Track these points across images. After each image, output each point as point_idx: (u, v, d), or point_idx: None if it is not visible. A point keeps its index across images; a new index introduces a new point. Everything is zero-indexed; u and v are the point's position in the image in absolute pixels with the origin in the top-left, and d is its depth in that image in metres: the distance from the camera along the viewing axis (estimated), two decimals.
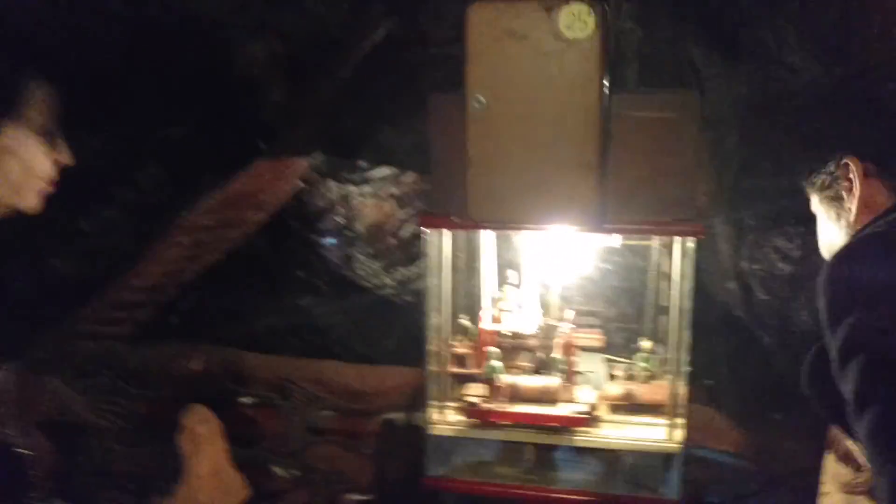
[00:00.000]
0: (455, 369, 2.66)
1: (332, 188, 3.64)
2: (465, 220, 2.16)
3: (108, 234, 3.44)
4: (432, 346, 2.50)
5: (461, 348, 2.69)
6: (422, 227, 2.43)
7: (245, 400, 3.78)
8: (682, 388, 2.39)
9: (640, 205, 2.26)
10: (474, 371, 2.64)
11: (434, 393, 2.54)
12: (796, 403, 3.08)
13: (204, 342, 3.80)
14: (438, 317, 2.50)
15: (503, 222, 2.19)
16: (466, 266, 2.78)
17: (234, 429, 3.41)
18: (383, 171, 3.61)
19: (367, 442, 3.71)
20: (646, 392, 2.60)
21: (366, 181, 3.64)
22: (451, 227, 2.39)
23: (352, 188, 3.66)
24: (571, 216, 2.09)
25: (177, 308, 3.89)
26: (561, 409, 2.49)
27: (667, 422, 2.45)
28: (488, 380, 2.53)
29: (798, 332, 3.37)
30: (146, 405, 3.69)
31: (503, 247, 2.77)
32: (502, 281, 2.77)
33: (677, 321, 2.35)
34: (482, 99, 1.99)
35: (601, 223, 2.07)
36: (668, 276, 2.44)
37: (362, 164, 3.58)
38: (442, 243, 2.44)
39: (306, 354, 3.81)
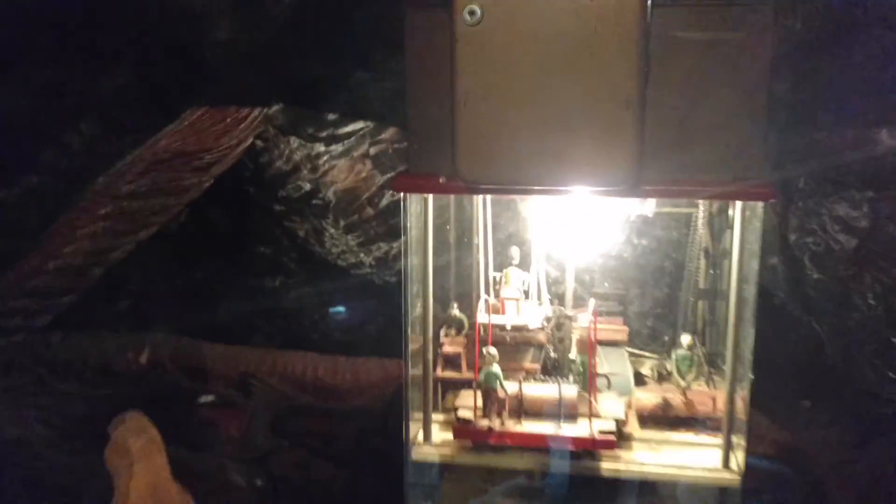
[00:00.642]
0: (443, 373, 2.34)
1: (295, 147, 3.28)
2: (454, 182, 1.79)
3: (31, 206, 3.02)
4: (413, 343, 2.11)
5: (451, 346, 2.37)
6: (397, 192, 2.02)
7: (202, 399, 3.42)
8: (744, 398, 1.99)
9: (689, 160, 1.84)
10: (467, 376, 2.30)
11: (416, 405, 2.17)
12: (849, 401, 2.85)
13: (152, 331, 3.46)
14: (421, 306, 2.12)
15: (504, 185, 1.78)
16: (457, 242, 2.54)
17: (188, 433, 3.26)
18: (357, 125, 3.24)
19: (344, 447, 3.41)
20: (688, 402, 2.24)
21: (336, 138, 3.27)
22: (435, 191, 1.98)
23: (319, 147, 3.29)
24: (599, 176, 1.70)
25: (120, 292, 3.66)
26: (580, 427, 2.11)
27: (718, 442, 2.07)
28: (486, 388, 2.14)
29: (859, 319, 2.85)
30: (82, 406, 3.32)
31: (505, 217, 2.55)
32: (504, 261, 2.42)
33: (735, 311, 1.95)
34: (477, 9, 1.61)
35: (639, 185, 1.71)
36: (712, 253, 2.33)
37: (331, 116, 3.21)
38: (426, 213, 2.04)
39: (272, 345, 3.48)
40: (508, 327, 2.29)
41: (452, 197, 2.41)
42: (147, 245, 3.33)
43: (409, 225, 2.00)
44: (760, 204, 1.92)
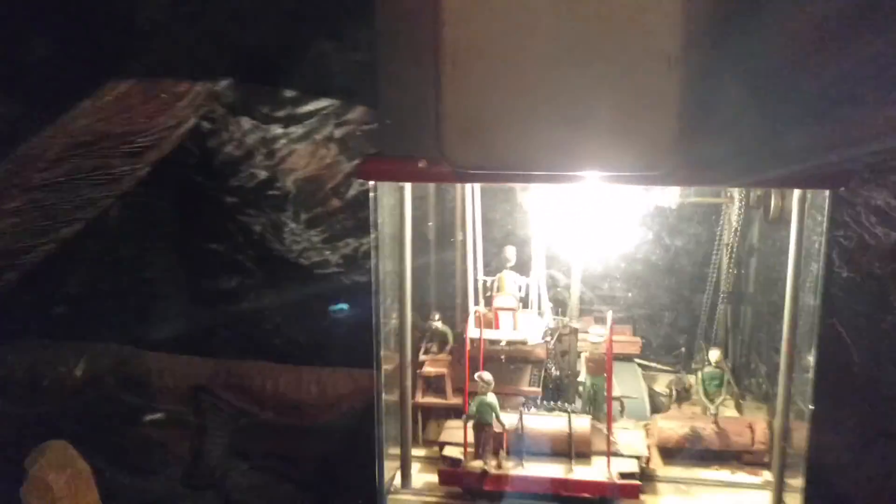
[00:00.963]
0: (424, 399, 2.07)
1: (247, 129, 2.95)
2: (437, 166, 1.52)
3: None
4: (387, 363, 1.84)
5: (433, 366, 2.10)
6: (365, 180, 1.71)
7: (147, 417, 3.14)
8: (804, 432, 1.72)
9: (734, 140, 1.50)
10: (453, 403, 2.04)
11: (391, 435, 1.90)
12: (881, 415, 2.51)
13: (90, 340, 3.14)
14: (397, 318, 1.84)
15: (501, 170, 1.49)
16: (439, 241, 2.23)
17: (132, 456, 3.05)
18: (320, 103, 2.91)
19: (308, 469, 3.14)
20: (721, 431, 1.98)
21: (295, 119, 2.94)
22: (413, 179, 1.68)
23: (275, 129, 2.96)
24: (629, 158, 1.39)
25: (54, 297, 3.27)
26: (595, 469, 1.83)
27: (760, 481, 1.86)
28: (478, 421, 1.87)
29: (894, 323, 2.54)
30: (6, 427, 3.03)
31: (500, 210, 2.28)
32: (497, 264, 2.12)
33: (790, 324, 1.68)
34: None
35: (677, 169, 1.40)
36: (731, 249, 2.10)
37: (289, 93, 2.88)
38: (402, 205, 1.74)
39: (227, 355, 3.14)
40: (503, 343, 2.04)
41: (434, 186, 2.14)
42: (79, 244, 2.98)
43: (380, 220, 1.74)
44: (825, 193, 1.59)
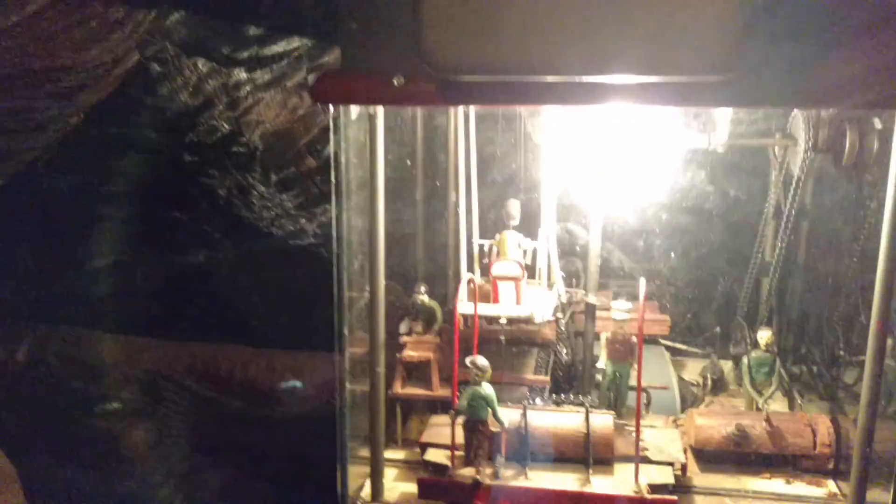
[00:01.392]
0: (404, 390, 1.81)
1: (205, 73, 2.60)
2: (417, 84, 1.21)
3: None
4: (356, 346, 1.54)
5: (416, 350, 1.83)
6: (322, 103, 1.40)
7: (100, 406, 2.92)
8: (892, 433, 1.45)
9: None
10: (440, 395, 1.77)
11: (360, 438, 1.60)
12: None
13: (34, 321, 2.95)
14: (362, 287, 1.54)
15: (500, 75, 1.14)
16: (426, 192, 1.94)
17: (81, 449, 2.83)
18: (290, 43, 2.57)
19: (282, 464, 2.89)
20: (774, 430, 1.66)
21: (261, 61, 2.62)
22: (385, 101, 1.36)
23: (238, 73, 2.63)
24: (678, 56, 1.07)
25: None
26: (619, 479, 1.53)
27: (823, 493, 1.57)
28: (470, 419, 1.56)
29: None
30: None
31: (502, 145, 1.88)
32: (497, 223, 1.80)
33: (883, 293, 1.32)
34: None
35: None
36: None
37: (253, 30, 2.56)
38: (373, 137, 1.42)
39: (190, 336, 2.94)
40: (503, 320, 1.70)
41: (416, 115, 1.85)
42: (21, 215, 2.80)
43: (342, 159, 1.43)
44: None
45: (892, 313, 1.35)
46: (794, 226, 1.93)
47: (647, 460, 1.56)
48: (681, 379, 1.99)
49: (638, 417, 1.54)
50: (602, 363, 1.71)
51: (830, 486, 1.59)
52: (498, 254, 1.76)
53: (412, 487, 1.62)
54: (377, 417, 1.57)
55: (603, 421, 1.56)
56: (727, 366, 2.04)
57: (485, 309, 1.70)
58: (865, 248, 1.76)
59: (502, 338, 1.77)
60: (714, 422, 1.68)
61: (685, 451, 1.63)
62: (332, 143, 1.42)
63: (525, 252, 1.76)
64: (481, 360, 1.52)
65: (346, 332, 1.50)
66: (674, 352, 2.13)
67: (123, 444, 2.88)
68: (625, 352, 1.66)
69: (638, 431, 1.53)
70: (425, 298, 1.86)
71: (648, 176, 1.83)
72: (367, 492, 1.61)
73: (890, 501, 1.42)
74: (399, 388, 1.76)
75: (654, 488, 1.50)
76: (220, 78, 2.64)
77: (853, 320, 1.85)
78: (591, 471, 1.52)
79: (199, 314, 3.14)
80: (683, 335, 2.23)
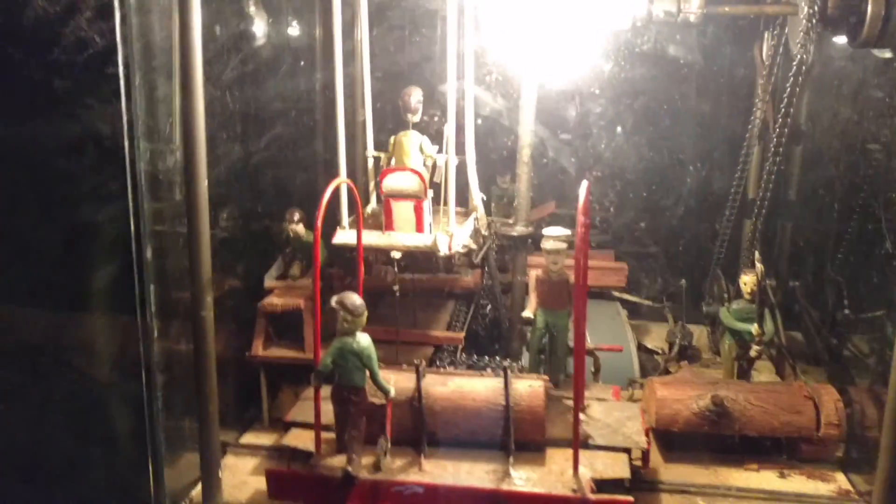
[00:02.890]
0: (267, 352, 1.35)
1: None
2: None
3: None
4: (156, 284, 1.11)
5: (281, 297, 1.39)
6: None
7: None
8: None
9: None
10: (304, 356, 1.30)
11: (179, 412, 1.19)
12: None
13: None
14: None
15: None
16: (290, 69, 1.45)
17: None
18: None
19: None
20: (762, 407, 1.24)
21: None
22: None
23: None
24: None
25: None
26: (549, 474, 1.06)
27: (836, 488, 1.17)
28: (341, 386, 1.08)
29: None
30: None
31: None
32: (394, 122, 1.30)
33: None
34: None
35: None
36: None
37: None
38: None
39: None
40: (396, 254, 1.24)
41: None
42: None
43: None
44: None
45: None
46: (787, 141, 1.50)
47: (593, 446, 1.10)
48: (642, 347, 1.57)
49: (577, 386, 1.08)
50: (529, 312, 1.25)
51: (840, 480, 1.18)
52: (392, 161, 1.27)
53: (260, 480, 1.14)
54: (205, 382, 1.09)
55: (530, 391, 1.10)
56: (701, 332, 1.63)
57: (371, 238, 1.22)
58: (892, 152, 1.32)
59: (396, 289, 1.27)
60: (682, 393, 1.25)
61: (647, 434, 1.17)
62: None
63: (426, 161, 1.27)
64: (352, 299, 1.06)
65: (147, 255, 1.02)
66: (633, 313, 1.70)
67: None
68: (560, 297, 1.22)
69: (577, 405, 1.07)
70: (299, 229, 1.36)
71: (589, 56, 1.37)
72: (197, 491, 1.14)
73: None
74: (259, 349, 1.29)
75: (600, 485, 1.03)
76: None
77: (865, 260, 1.42)
78: (511, 460, 1.06)
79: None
80: (645, 288, 1.80)
